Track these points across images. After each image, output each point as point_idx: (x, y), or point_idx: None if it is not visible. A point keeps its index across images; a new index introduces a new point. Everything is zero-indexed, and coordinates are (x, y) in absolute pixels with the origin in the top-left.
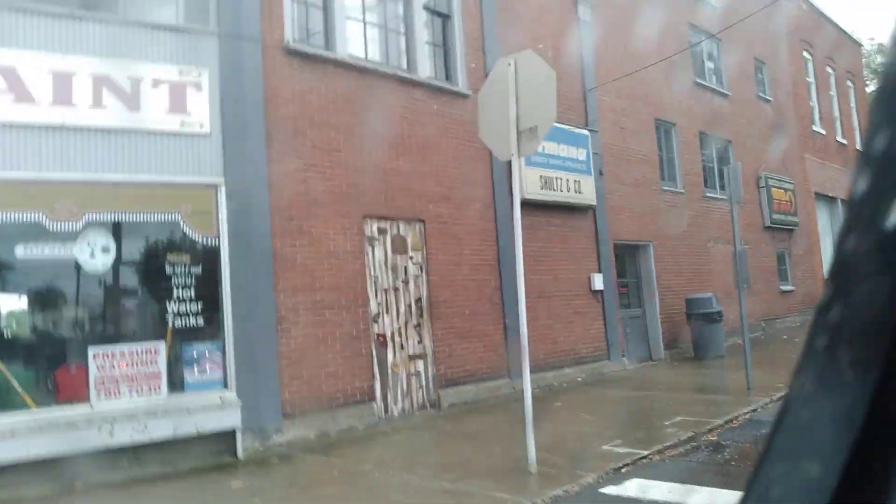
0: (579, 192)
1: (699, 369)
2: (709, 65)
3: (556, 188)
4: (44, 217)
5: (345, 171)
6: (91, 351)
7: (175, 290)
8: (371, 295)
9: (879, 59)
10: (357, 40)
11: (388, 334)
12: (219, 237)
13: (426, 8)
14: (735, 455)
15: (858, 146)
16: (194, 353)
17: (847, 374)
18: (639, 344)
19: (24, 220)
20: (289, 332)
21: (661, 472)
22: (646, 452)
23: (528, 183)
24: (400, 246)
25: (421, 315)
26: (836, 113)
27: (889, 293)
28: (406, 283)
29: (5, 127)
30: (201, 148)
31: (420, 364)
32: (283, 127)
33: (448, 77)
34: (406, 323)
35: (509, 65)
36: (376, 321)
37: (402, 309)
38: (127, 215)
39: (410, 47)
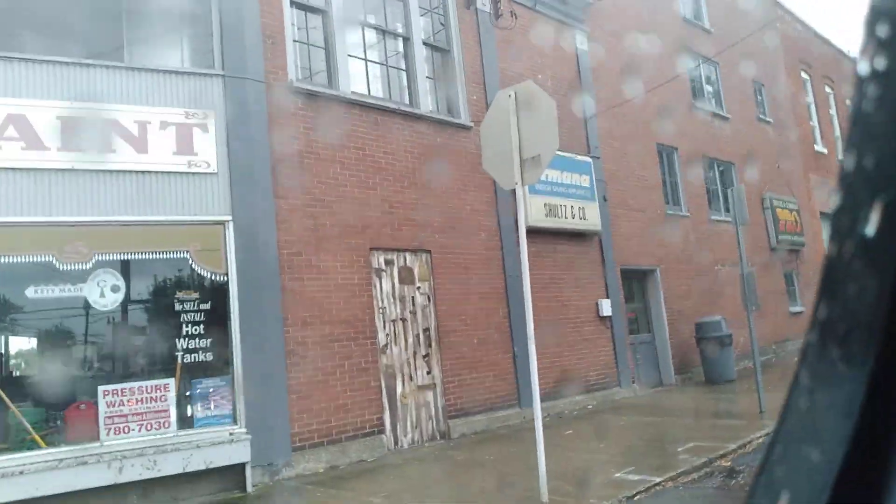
0: (584, 219)
1: (711, 394)
2: (708, 88)
3: (560, 215)
4: (53, 258)
5: (351, 205)
6: (101, 389)
7: (184, 327)
8: (379, 326)
9: None
10: (359, 77)
11: (398, 365)
12: (227, 273)
13: (426, 44)
14: (749, 480)
15: None
16: (203, 388)
17: (840, 368)
18: (649, 369)
19: (35, 261)
20: (298, 365)
21: (675, 499)
22: (659, 479)
23: (532, 211)
24: (407, 277)
25: (429, 345)
26: (838, 132)
27: (874, 294)
28: (414, 313)
29: (16, 172)
30: (209, 187)
31: (429, 395)
32: (289, 163)
33: (450, 110)
34: (415, 353)
35: (510, 96)
36: (385, 352)
37: (411, 339)
38: (136, 254)
39: (412, 82)
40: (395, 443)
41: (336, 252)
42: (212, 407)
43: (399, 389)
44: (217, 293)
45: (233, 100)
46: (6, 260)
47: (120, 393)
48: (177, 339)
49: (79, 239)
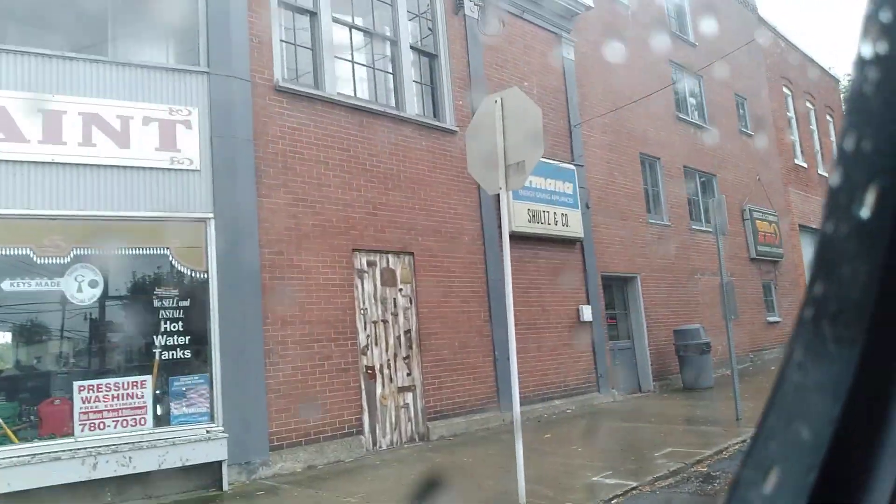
0: (566, 226)
1: (688, 400)
2: (691, 101)
3: (543, 221)
4: (31, 252)
5: (334, 206)
6: (76, 384)
7: (163, 324)
8: (360, 327)
9: None
10: (346, 79)
11: (378, 366)
12: (208, 271)
13: (413, 48)
14: (725, 486)
15: None
16: (181, 385)
17: (831, 348)
18: (628, 375)
19: (12, 254)
20: (277, 364)
21: (652, 503)
22: (636, 484)
23: (516, 216)
24: (389, 278)
25: (410, 347)
26: (818, 147)
27: (865, 276)
28: (395, 315)
29: None
30: (191, 184)
31: (409, 396)
32: (273, 163)
33: (436, 114)
34: (395, 355)
35: (496, 102)
36: (365, 353)
37: (392, 341)
38: (116, 250)
39: (398, 86)
40: (374, 444)
41: (318, 252)
42: (189, 404)
43: (379, 391)
44: (197, 290)
45: (217, 97)
46: None
47: (96, 389)
48: (155, 336)
49: (57, 233)
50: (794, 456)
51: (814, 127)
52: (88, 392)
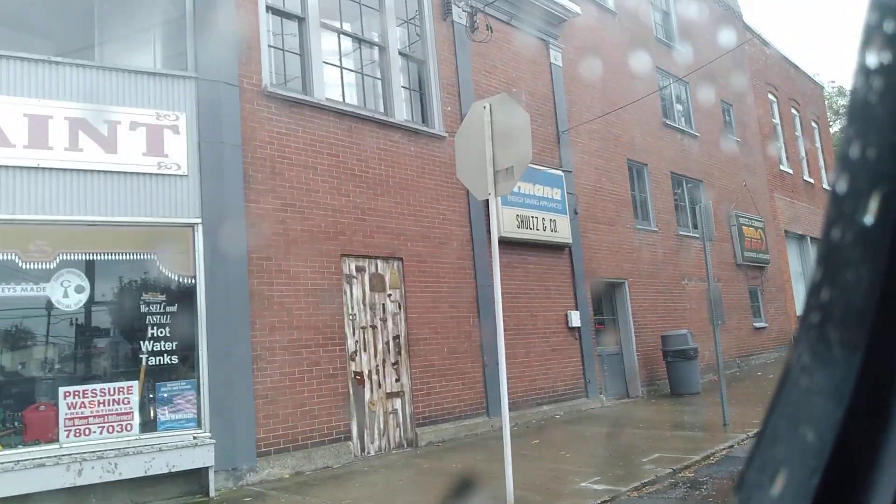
0: (555, 231)
1: (676, 406)
2: (678, 107)
3: (532, 227)
4: (16, 257)
5: (323, 211)
6: (62, 390)
7: (150, 329)
8: (349, 333)
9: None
10: (334, 85)
11: (366, 372)
12: (195, 276)
13: (402, 53)
14: (713, 491)
15: (825, 185)
16: (168, 391)
17: (836, 351)
18: (616, 381)
19: None
20: (265, 370)
21: None
22: (624, 489)
23: (504, 222)
24: (378, 284)
25: (399, 353)
26: (803, 153)
27: (868, 281)
28: (384, 320)
29: None
30: (178, 189)
31: (397, 402)
32: (261, 168)
33: (424, 120)
34: (384, 361)
35: (485, 108)
36: (353, 359)
37: (380, 347)
38: (102, 255)
39: (387, 91)
40: (362, 450)
41: (307, 258)
42: (176, 410)
43: (367, 396)
44: (184, 296)
45: (205, 102)
46: None
47: (81, 394)
48: (142, 342)
49: (43, 238)
50: (800, 459)
51: (799, 133)
52: (74, 398)
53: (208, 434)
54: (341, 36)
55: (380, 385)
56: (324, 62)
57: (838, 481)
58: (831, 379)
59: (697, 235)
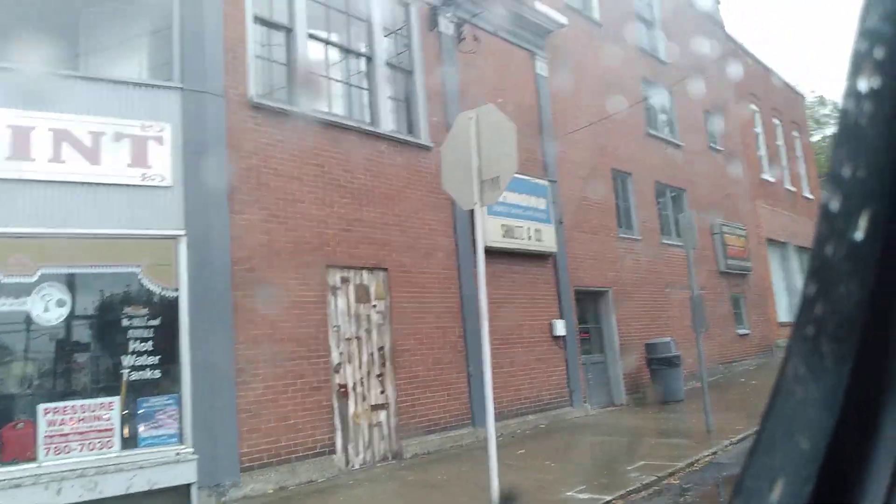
0: (540, 241)
1: (660, 413)
2: (662, 117)
3: (517, 237)
4: None
5: (308, 222)
6: (41, 407)
7: (131, 344)
8: (333, 345)
9: (822, 110)
10: (321, 95)
11: (351, 384)
12: (178, 289)
13: (388, 64)
14: (697, 498)
15: (806, 193)
16: (150, 407)
17: (828, 362)
18: (601, 389)
19: None
20: (248, 384)
21: None
22: (609, 498)
23: (490, 231)
24: (363, 295)
25: (384, 364)
26: (784, 161)
27: (859, 296)
28: (369, 332)
29: None
30: (162, 200)
31: (382, 414)
32: (247, 179)
33: (410, 130)
34: (368, 373)
35: (471, 118)
36: (338, 371)
37: (365, 358)
38: (84, 268)
39: (373, 102)
40: (347, 463)
41: (291, 269)
42: (157, 426)
43: (352, 409)
44: (167, 309)
45: (190, 113)
46: None
47: (61, 411)
48: (123, 356)
49: (23, 251)
50: (795, 466)
51: (780, 142)
52: (53, 415)
53: (191, 450)
54: (328, 46)
55: (364, 397)
56: (310, 73)
57: (831, 488)
58: (824, 389)
59: (680, 244)
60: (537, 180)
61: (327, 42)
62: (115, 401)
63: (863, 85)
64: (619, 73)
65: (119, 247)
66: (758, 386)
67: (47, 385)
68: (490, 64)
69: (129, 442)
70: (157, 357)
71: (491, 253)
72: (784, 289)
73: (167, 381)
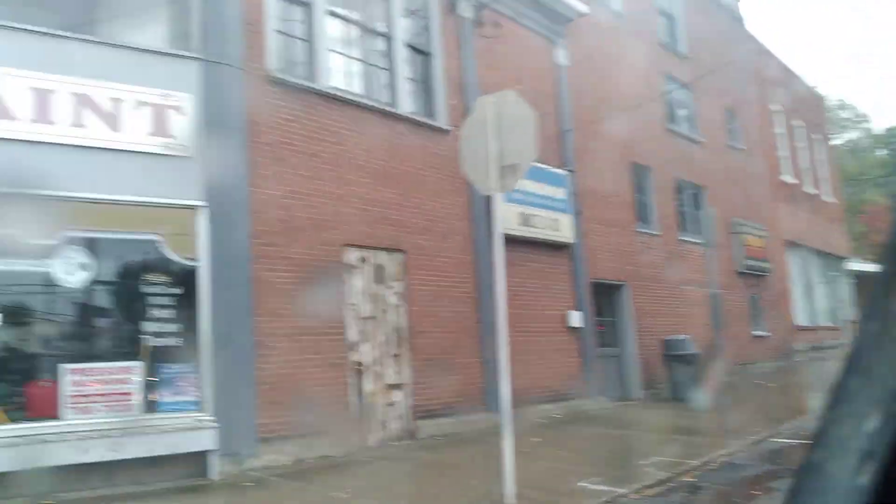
0: (557, 230)
1: (675, 410)
2: (682, 112)
3: (534, 225)
4: (20, 231)
5: (327, 200)
6: (65, 368)
7: (152, 311)
8: (350, 323)
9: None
10: (339, 72)
11: (367, 363)
12: (198, 259)
13: (408, 45)
14: (712, 497)
15: (825, 197)
16: (170, 373)
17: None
18: (616, 383)
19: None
20: (266, 357)
21: None
22: (623, 490)
23: (507, 219)
24: (380, 275)
25: (399, 345)
26: (805, 164)
27: None
28: (385, 312)
29: None
30: (183, 170)
31: (398, 394)
32: (266, 153)
33: (428, 113)
34: (384, 352)
35: (491, 103)
36: (355, 350)
37: (381, 338)
38: (105, 234)
39: (392, 82)
40: (362, 440)
41: (309, 245)
42: (177, 393)
43: (368, 387)
44: (187, 279)
45: (211, 85)
46: None
47: (84, 372)
48: (144, 323)
49: (45, 212)
50: (865, 444)
51: (800, 144)
52: (76, 375)
53: (211, 417)
54: (348, 24)
55: (380, 376)
56: (329, 50)
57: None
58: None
59: (699, 241)
60: (556, 170)
61: (346, 19)
62: (136, 365)
63: None
64: (639, 66)
65: (139, 214)
66: (775, 389)
67: (71, 346)
68: (509, 50)
69: (150, 407)
70: (177, 325)
71: (507, 240)
72: (802, 291)
73: (187, 349)
